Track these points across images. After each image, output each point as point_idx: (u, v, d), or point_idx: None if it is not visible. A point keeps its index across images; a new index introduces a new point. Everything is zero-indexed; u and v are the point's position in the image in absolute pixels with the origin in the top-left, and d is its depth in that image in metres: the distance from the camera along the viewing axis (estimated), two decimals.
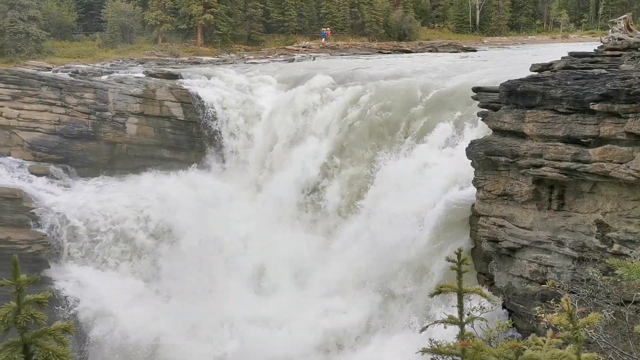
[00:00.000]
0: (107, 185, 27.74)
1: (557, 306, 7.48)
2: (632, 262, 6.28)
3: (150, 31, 56.20)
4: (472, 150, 15.60)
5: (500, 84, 15.05)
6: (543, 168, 13.66)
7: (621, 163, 12.16)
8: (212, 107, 29.62)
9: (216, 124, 29.50)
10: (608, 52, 16.48)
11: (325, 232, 24.08)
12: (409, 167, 20.84)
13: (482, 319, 4.54)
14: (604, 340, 7.22)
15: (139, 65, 41.66)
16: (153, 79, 31.57)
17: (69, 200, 25.98)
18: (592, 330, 6.49)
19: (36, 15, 46.25)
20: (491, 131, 15.70)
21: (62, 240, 24.73)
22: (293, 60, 46.21)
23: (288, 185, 25.51)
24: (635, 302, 9.65)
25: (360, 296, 20.18)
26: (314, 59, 46.98)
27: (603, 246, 12.93)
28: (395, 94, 25.02)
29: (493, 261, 15.81)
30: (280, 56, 49.86)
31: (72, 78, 30.57)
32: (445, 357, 4.76)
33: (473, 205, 16.39)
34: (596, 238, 13.11)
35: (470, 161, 15.96)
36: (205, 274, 23.65)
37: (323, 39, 59.22)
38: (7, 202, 24.45)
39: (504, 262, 15.36)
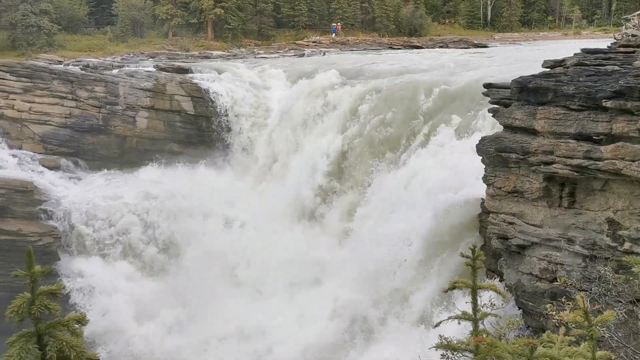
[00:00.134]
0: (116, 179, 27.82)
1: (569, 304, 7.46)
2: None
3: (161, 25, 56.35)
4: (483, 147, 15.52)
5: (512, 80, 14.94)
6: (554, 165, 13.57)
7: (633, 161, 12.06)
8: (222, 102, 29.66)
9: (226, 120, 29.55)
10: (621, 49, 16.33)
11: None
12: (399, 181, 20.72)
13: (496, 316, 4.52)
14: (615, 338, 7.18)
15: (150, 59, 41.82)
16: (163, 73, 31.67)
17: (79, 194, 26.10)
18: (604, 329, 6.46)
19: (48, 8, 46.49)
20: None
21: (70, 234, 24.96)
22: (303, 55, 46.20)
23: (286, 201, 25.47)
24: None
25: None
26: (324, 54, 46.92)
27: (614, 244, 12.85)
28: (396, 102, 24.62)
29: (502, 258, 15.74)
30: (290, 51, 49.83)
31: (83, 72, 30.73)
32: (455, 353, 4.76)
33: (482, 202, 16.34)
34: (607, 236, 13.03)
35: (481, 158, 15.90)
36: (209, 285, 23.20)
37: (333, 34, 59.09)
38: (18, 194, 24.62)
39: (514, 260, 15.29)
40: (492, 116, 16.45)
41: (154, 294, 23.52)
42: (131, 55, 44.47)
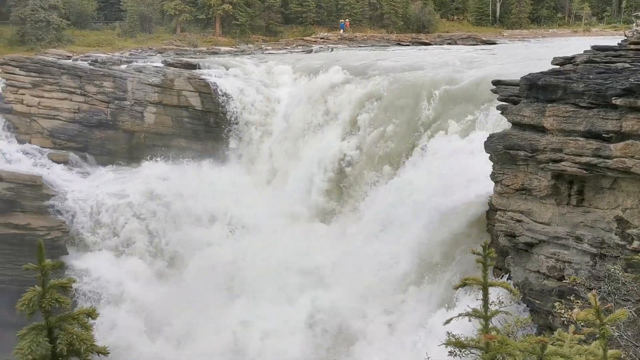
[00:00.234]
0: (123, 174, 27.92)
1: (577, 302, 7.43)
2: None
3: (169, 21, 56.41)
4: (491, 144, 15.45)
5: (521, 77, 14.86)
6: (563, 163, 13.49)
7: None
8: (230, 98, 29.66)
9: (233, 116, 29.55)
10: (632, 46, 16.21)
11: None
12: (393, 194, 20.68)
13: (507, 313, 4.51)
14: (625, 337, 7.15)
15: (158, 54, 41.88)
16: (171, 68, 31.71)
17: (85, 190, 26.22)
18: (613, 327, 6.43)
19: (57, 3, 46.68)
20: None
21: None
22: (311, 51, 46.13)
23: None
24: None
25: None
26: (332, 50, 46.83)
27: (623, 243, 12.77)
28: (397, 113, 24.42)
29: (510, 256, 15.69)
30: (298, 47, 49.77)
31: (91, 67, 30.80)
32: (463, 350, 4.74)
33: (490, 200, 16.30)
34: (616, 234, 12.96)
35: (489, 156, 15.84)
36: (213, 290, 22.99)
37: (341, 30, 58.98)
38: (27, 188, 24.76)
39: (521, 257, 15.24)
40: (500, 113, 16.40)
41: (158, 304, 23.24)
42: (139, 50, 44.57)
